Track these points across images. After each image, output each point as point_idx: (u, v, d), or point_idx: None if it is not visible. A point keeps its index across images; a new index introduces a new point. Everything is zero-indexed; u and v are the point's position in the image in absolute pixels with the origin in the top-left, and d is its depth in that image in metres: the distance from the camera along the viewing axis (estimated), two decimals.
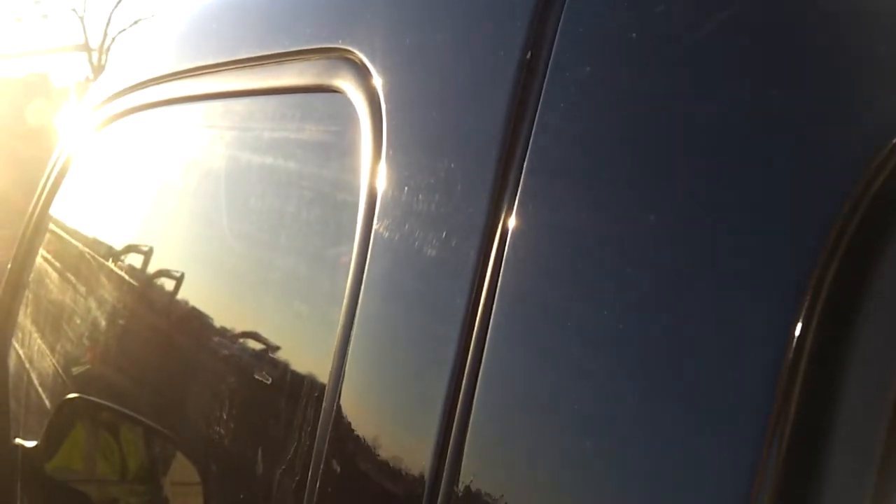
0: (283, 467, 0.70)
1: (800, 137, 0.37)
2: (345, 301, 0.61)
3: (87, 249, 1.43)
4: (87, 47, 21.37)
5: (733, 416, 0.35)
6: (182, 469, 1.00)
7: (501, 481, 0.46)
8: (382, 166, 0.59)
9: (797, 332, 0.34)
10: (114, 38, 21.19)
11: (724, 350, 0.36)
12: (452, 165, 0.53)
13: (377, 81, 0.61)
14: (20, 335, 1.62)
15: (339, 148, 0.69)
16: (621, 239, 0.42)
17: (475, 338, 0.48)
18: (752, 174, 0.38)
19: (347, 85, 0.64)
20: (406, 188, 0.57)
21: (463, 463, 0.48)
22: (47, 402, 1.40)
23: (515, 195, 0.48)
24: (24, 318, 1.62)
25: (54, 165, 1.51)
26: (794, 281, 0.35)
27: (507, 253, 0.48)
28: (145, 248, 1.18)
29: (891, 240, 0.34)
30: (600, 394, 0.41)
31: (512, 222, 0.48)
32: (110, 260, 1.29)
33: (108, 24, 21.26)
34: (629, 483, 0.39)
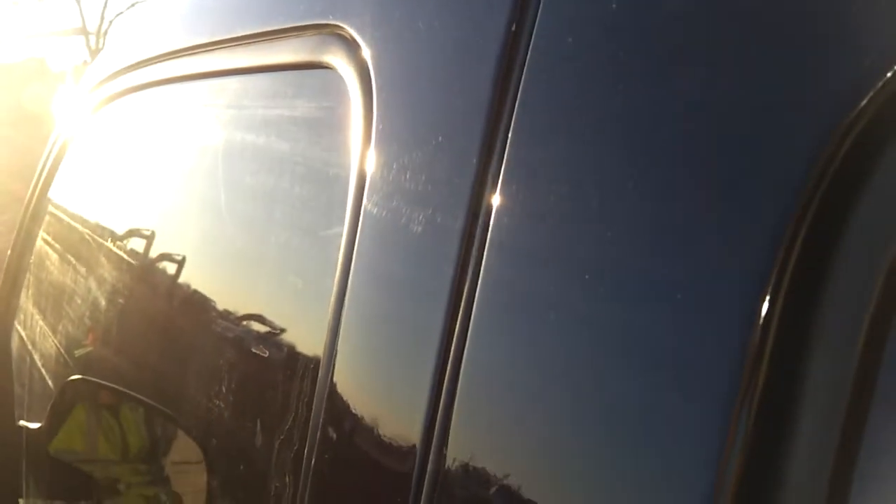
0: (280, 442, 0.71)
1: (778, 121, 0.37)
2: (336, 277, 0.61)
3: (85, 231, 1.43)
4: (84, 31, 21.27)
5: (706, 394, 0.36)
6: (183, 447, 1.01)
7: (486, 453, 0.47)
8: (372, 141, 0.60)
9: (763, 314, 0.35)
10: (111, 22, 21.07)
11: (700, 334, 0.37)
12: (440, 138, 0.53)
13: (367, 56, 0.61)
14: (22, 318, 1.63)
15: (331, 124, 0.69)
16: (604, 215, 0.43)
17: (461, 313, 0.49)
18: (731, 159, 0.38)
19: (338, 60, 0.64)
20: (395, 164, 0.57)
21: (450, 435, 0.49)
22: (51, 384, 1.41)
23: (500, 166, 0.49)
24: (26, 301, 1.63)
25: (52, 148, 1.51)
26: (760, 267, 0.35)
27: (492, 227, 0.48)
28: (141, 228, 1.19)
29: (850, 224, 0.34)
30: (582, 373, 0.42)
31: (497, 198, 0.48)
32: (108, 240, 1.30)
33: (105, 8, 21.14)
34: (610, 461, 0.40)
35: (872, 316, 0.33)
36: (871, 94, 0.33)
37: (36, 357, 1.49)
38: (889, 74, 0.33)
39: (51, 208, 1.58)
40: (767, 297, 0.35)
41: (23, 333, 1.60)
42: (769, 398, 0.35)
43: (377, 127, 0.59)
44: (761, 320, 0.35)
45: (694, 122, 0.40)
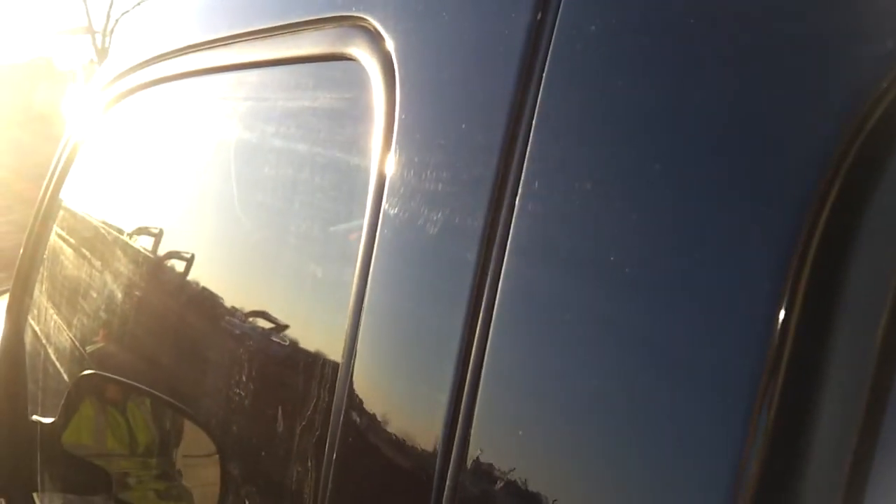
0: (300, 443, 0.71)
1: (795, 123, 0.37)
2: (356, 273, 0.61)
3: (100, 227, 1.44)
4: (90, 30, 21.30)
5: (727, 396, 0.36)
6: (196, 443, 1.01)
7: (506, 455, 0.47)
8: (395, 132, 0.59)
9: (781, 317, 0.35)
10: (117, 21, 21.11)
11: (722, 336, 0.37)
12: (463, 129, 0.53)
13: (391, 47, 0.61)
14: (36, 313, 1.63)
15: (354, 115, 0.69)
16: (628, 216, 0.43)
17: (483, 313, 0.49)
18: (753, 161, 0.38)
19: (361, 52, 0.64)
20: (417, 157, 0.57)
21: (471, 438, 0.49)
22: (66, 378, 1.41)
23: (523, 162, 0.49)
24: (41, 296, 1.63)
25: (65, 145, 1.51)
26: (777, 271, 0.35)
27: (514, 225, 0.48)
28: (158, 224, 1.19)
29: (863, 228, 0.35)
30: (603, 376, 0.42)
31: (519, 195, 0.48)
32: (124, 237, 1.30)
33: (111, 6, 21.17)
34: (631, 462, 0.40)
35: (889, 316, 0.33)
36: (880, 91, 0.34)
37: (50, 352, 1.50)
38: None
39: (64, 205, 1.58)
40: (786, 299, 0.35)
41: (37, 328, 1.61)
42: (788, 400, 0.35)
43: (400, 118, 0.59)
44: (780, 323, 0.35)
45: (718, 119, 0.40)
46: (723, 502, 0.35)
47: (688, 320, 0.38)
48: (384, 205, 0.59)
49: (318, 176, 0.78)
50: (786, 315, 0.35)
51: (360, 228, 0.62)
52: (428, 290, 0.55)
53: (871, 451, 0.33)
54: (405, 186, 0.57)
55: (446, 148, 0.54)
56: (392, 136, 0.60)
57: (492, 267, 0.49)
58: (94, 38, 21.20)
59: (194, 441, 1.03)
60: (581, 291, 0.44)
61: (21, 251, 1.66)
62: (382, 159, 0.60)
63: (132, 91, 1.24)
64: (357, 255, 0.62)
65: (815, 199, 0.35)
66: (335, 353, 0.64)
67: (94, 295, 1.38)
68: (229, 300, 0.92)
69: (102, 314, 1.34)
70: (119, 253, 1.30)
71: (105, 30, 21.13)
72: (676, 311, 0.39)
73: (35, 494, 1.48)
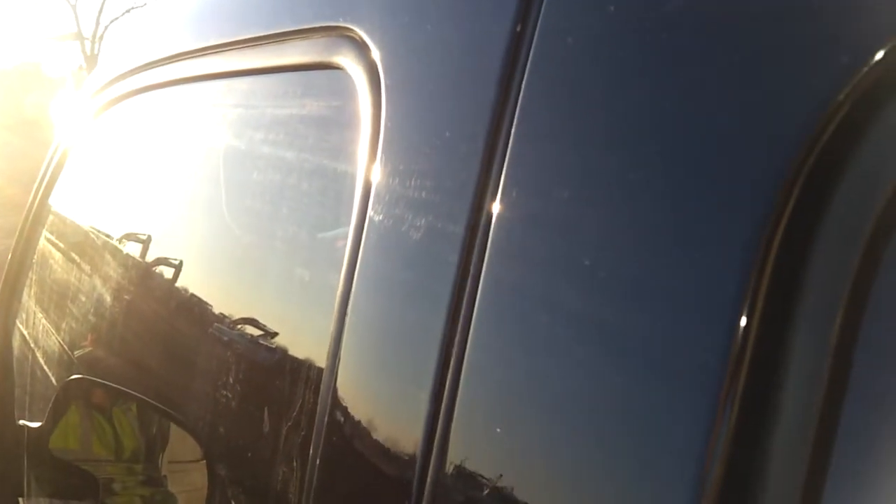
0: (284, 445, 0.72)
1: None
2: (341, 278, 0.62)
3: (88, 233, 1.44)
4: (80, 36, 21.25)
5: (696, 392, 0.38)
6: (182, 448, 1.02)
7: (486, 456, 0.48)
8: (381, 140, 0.61)
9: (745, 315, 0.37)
10: (106, 27, 21.07)
11: (694, 334, 0.39)
12: (446, 138, 0.55)
13: (377, 57, 0.63)
14: (24, 317, 1.63)
15: (340, 124, 0.71)
16: (604, 220, 0.44)
17: (462, 317, 0.50)
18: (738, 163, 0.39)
19: (348, 62, 0.66)
20: (402, 164, 0.58)
21: (450, 439, 0.50)
22: (54, 382, 1.41)
23: (502, 169, 0.50)
24: (29, 300, 1.63)
25: (56, 149, 1.52)
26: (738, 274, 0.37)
27: (493, 230, 0.49)
28: (147, 230, 1.19)
29: (821, 231, 0.36)
30: (582, 377, 0.43)
31: (498, 202, 0.50)
32: (114, 243, 1.30)
33: (100, 13, 21.14)
34: (610, 463, 0.42)
35: (847, 308, 0.35)
36: (846, 89, 0.35)
37: (38, 356, 1.50)
38: (862, 70, 0.35)
39: (54, 210, 1.58)
40: (749, 296, 0.36)
41: (25, 333, 1.61)
42: (750, 397, 0.36)
43: (385, 125, 0.61)
44: (743, 323, 0.36)
45: (693, 123, 0.41)
46: (692, 496, 0.37)
47: (659, 320, 0.40)
48: (370, 210, 0.60)
49: (305, 182, 0.79)
50: (748, 315, 0.36)
51: (346, 235, 0.63)
52: (411, 292, 0.56)
53: (830, 446, 0.34)
54: (390, 192, 0.59)
55: (430, 156, 0.56)
56: (378, 143, 0.61)
57: (472, 270, 0.50)
58: (83, 45, 21.14)
59: (180, 446, 1.03)
60: (558, 293, 0.45)
61: (10, 255, 1.66)
62: (368, 166, 0.62)
63: (122, 97, 1.25)
64: (343, 258, 0.63)
65: (776, 204, 0.36)
66: (320, 355, 0.65)
67: (83, 299, 1.39)
68: (216, 305, 0.93)
69: (91, 319, 1.34)
70: (108, 258, 1.31)
71: (94, 36, 21.07)
72: (648, 312, 0.40)
73: (21, 499, 1.48)
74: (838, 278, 0.35)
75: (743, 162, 0.38)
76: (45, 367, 1.46)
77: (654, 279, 0.41)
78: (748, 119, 0.39)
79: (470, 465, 0.49)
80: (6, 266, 1.66)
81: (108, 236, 1.37)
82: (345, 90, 0.66)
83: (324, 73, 0.70)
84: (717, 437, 0.36)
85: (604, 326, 0.43)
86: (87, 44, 20.95)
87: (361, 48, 0.64)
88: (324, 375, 0.63)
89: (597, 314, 0.43)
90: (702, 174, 0.40)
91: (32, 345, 1.55)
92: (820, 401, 0.35)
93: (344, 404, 0.61)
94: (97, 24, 21.02)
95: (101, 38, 20.91)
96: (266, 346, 0.80)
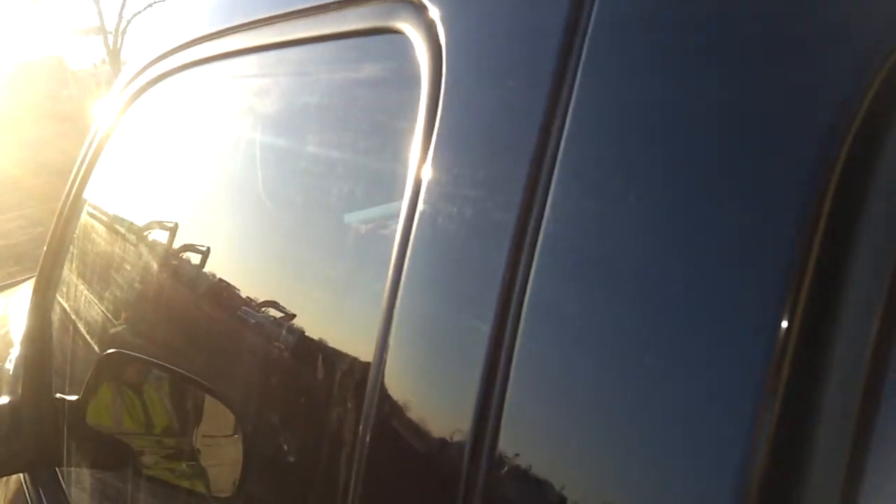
0: (329, 441, 0.72)
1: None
2: (391, 267, 0.62)
3: (132, 212, 1.46)
4: (102, 30, 21.39)
5: (739, 395, 0.39)
6: (219, 425, 1.02)
7: (534, 457, 0.48)
8: (441, 106, 0.61)
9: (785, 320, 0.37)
10: (129, 21, 21.20)
11: (738, 336, 0.39)
12: (507, 98, 0.55)
13: (437, 20, 0.64)
14: (64, 290, 1.66)
15: (399, 87, 0.71)
16: (657, 217, 0.43)
17: (512, 313, 0.50)
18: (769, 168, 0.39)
19: (407, 26, 0.67)
20: (461, 130, 0.58)
21: (499, 439, 0.50)
22: (96, 351, 1.44)
23: (560, 142, 0.50)
24: (70, 274, 1.65)
25: (98, 127, 1.54)
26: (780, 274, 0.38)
27: (545, 224, 0.49)
28: (193, 213, 1.20)
29: (862, 226, 0.37)
30: (631, 378, 0.43)
31: (553, 189, 0.50)
32: (158, 225, 1.32)
33: (123, 7, 21.27)
34: (659, 463, 0.42)
35: (887, 307, 0.35)
36: (872, 88, 0.36)
37: (81, 327, 1.52)
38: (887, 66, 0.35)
39: (97, 188, 1.60)
40: (791, 297, 0.37)
41: (66, 306, 1.64)
42: (791, 400, 0.37)
43: (446, 89, 0.61)
44: (784, 324, 0.37)
45: (749, 118, 0.41)
46: (735, 493, 0.38)
47: (706, 321, 0.40)
48: (422, 191, 0.60)
49: (364, 155, 0.79)
50: (789, 317, 0.37)
51: (398, 214, 0.63)
52: (460, 283, 0.56)
53: (868, 447, 0.35)
54: (455, 152, 0.59)
55: (490, 123, 0.56)
56: (438, 111, 0.61)
57: (521, 269, 0.50)
58: (105, 39, 21.28)
59: (215, 423, 1.04)
60: (609, 296, 0.45)
61: (50, 232, 1.69)
62: (427, 132, 0.62)
63: (167, 75, 1.27)
64: (392, 247, 0.62)
65: (817, 203, 0.37)
66: (366, 350, 0.64)
67: (127, 271, 1.40)
68: (260, 295, 0.92)
69: (131, 295, 1.36)
70: (154, 240, 1.32)
71: (117, 30, 21.20)
72: (696, 312, 0.41)
73: (58, 469, 1.51)
74: (879, 276, 0.36)
75: (787, 159, 0.39)
76: (87, 339, 1.48)
77: (703, 279, 0.41)
78: (791, 114, 0.39)
79: (518, 466, 0.48)
80: (45, 247, 1.69)
81: (150, 216, 1.38)
82: (406, 54, 0.67)
83: (384, 37, 0.71)
84: (759, 434, 0.37)
85: (653, 327, 0.42)
86: (110, 38, 21.10)
87: (421, 12, 0.65)
88: (370, 371, 0.63)
89: (647, 315, 0.43)
90: (749, 172, 0.40)
91: (73, 316, 1.58)
92: (860, 399, 0.36)
93: (389, 402, 0.60)
94: (120, 18, 21.16)
95: (124, 32, 21.05)
96: (309, 336, 0.79)
